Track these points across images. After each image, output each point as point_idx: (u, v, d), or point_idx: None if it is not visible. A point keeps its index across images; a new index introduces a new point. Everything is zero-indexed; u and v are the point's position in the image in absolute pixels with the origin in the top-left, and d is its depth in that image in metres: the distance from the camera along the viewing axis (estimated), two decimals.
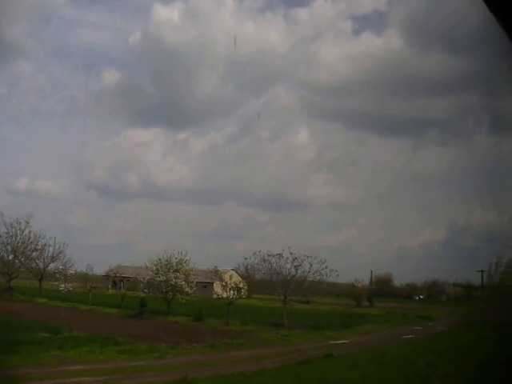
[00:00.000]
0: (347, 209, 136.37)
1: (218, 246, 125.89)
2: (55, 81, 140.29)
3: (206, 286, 66.09)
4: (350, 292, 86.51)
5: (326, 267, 39.74)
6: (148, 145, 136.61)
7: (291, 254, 39.55)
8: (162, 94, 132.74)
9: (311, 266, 39.83)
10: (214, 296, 61.71)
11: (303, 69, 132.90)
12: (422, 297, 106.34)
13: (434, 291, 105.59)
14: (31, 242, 61.78)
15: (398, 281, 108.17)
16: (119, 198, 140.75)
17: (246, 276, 75.31)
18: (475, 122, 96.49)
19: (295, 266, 39.97)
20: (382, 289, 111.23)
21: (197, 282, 49.19)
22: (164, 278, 43.08)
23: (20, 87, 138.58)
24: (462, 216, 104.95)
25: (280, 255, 39.99)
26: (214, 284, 51.65)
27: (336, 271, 40.66)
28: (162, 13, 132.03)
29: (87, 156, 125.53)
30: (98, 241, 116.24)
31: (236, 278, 72.53)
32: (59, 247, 63.39)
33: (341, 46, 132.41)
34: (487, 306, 42.35)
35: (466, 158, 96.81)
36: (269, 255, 40.41)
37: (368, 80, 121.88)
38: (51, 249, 63.50)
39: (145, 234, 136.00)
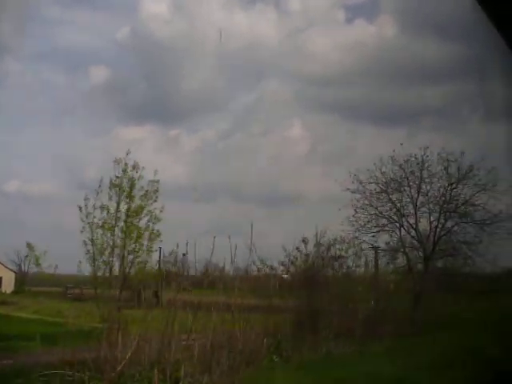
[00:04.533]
0: (343, 202, 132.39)
1: (211, 242, 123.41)
2: (44, 80, 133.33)
3: None
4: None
5: None
6: (140, 142, 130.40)
7: None
8: (152, 91, 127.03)
9: None
10: None
11: (296, 60, 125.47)
12: None
13: None
14: None
15: None
16: None
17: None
18: (469, 109, 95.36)
19: None
20: None
21: None
22: None
23: (8, 87, 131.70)
24: None
25: None
26: None
27: None
28: (150, 7, 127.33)
29: (78, 155, 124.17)
30: None
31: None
32: None
33: (334, 36, 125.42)
34: None
35: (461, 145, 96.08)
36: None
37: (362, 69, 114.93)
38: None
39: None
